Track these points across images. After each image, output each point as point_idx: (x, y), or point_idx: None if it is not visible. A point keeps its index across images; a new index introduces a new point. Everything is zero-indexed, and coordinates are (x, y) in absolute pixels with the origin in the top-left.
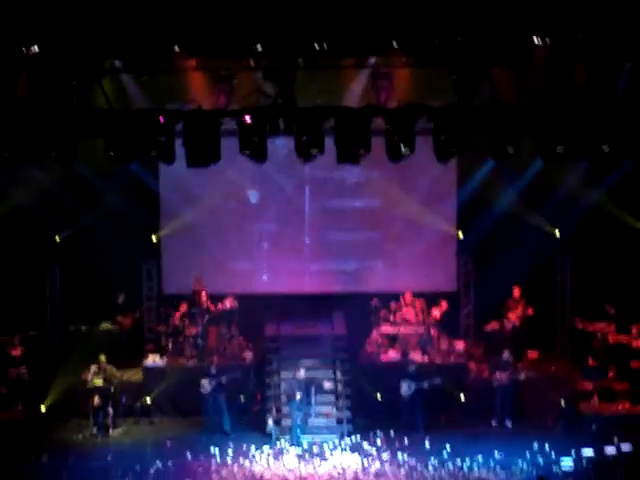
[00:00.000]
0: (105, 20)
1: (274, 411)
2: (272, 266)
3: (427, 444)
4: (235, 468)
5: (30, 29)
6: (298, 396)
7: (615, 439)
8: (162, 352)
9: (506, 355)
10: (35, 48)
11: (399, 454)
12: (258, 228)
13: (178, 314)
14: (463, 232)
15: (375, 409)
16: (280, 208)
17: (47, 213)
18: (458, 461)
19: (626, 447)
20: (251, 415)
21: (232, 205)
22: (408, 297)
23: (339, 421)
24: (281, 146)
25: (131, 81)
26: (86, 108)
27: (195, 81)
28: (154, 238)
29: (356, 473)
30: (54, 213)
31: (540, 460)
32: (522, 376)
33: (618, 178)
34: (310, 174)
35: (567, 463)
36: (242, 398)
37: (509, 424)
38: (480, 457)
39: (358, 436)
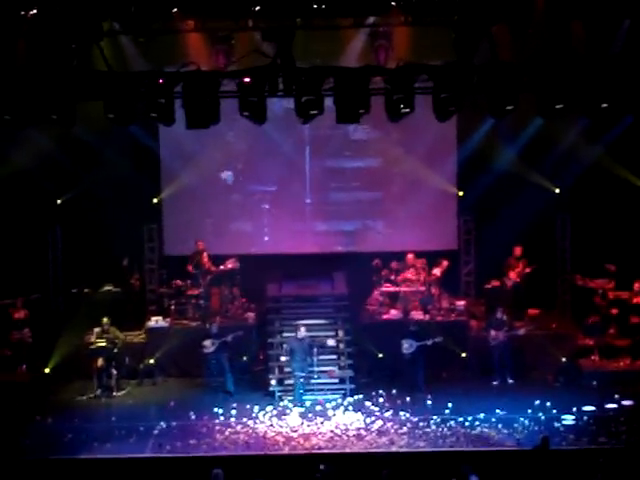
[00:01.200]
0: None
1: (277, 371)
2: (273, 227)
3: (429, 402)
4: (238, 427)
5: None
6: (299, 356)
7: (616, 395)
8: (165, 314)
9: (499, 314)
10: (34, 11)
11: (401, 412)
12: (259, 189)
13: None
14: (463, 191)
15: (377, 368)
16: (280, 169)
17: (48, 176)
18: (460, 418)
19: (627, 402)
20: (254, 375)
21: (232, 167)
22: (410, 258)
23: (341, 380)
24: (280, 107)
25: (130, 43)
26: (85, 70)
27: (194, 42)
28: (155, 200)
29: (359, 431)
30: (55, 176)
31: (541, 416)
32: (521, 332)
33: (617, 135)
34: (310, 134)
35: (568, 419)
36: (245, 358)
37: (510, 381)
38: (482, 414)
39: (360, 395)
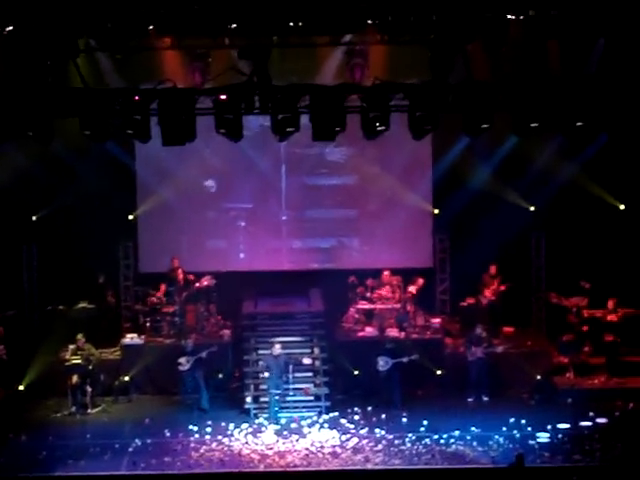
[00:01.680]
0: None
1: (252, 388)
2: (249, 244)
3: (404, 419)
4: (214, 445)
5: (3, 9)
6: (275, 373)
7: (590, 413)
8: (140, 331)
9: (479, 330)
10: (10, 27)
11: (376, 429)
12: (235, 206)
13: (158, 293)
14: (439, 209)
15: (352, 385)
16: (256, 186)
17: (23, 192)
18: (435, 436)
19: (601, 420)
20: (229, 392)
21: (207, 183)
22: (386, 276)
23: (317, 397)
24: (257, 124)
25: (106, 60)
26: (61, 87)
27: (170, 60)
28: (130, 217)
29: (334, 449)
30: (30, 192)
31: (516, 434)
32: (499, 349)
33: (592, 154)
34: (286, 151)
35: (543, 437)
36: (220, 375)
37: (485, 398)
38: (457, 432)
39: (336, 412)
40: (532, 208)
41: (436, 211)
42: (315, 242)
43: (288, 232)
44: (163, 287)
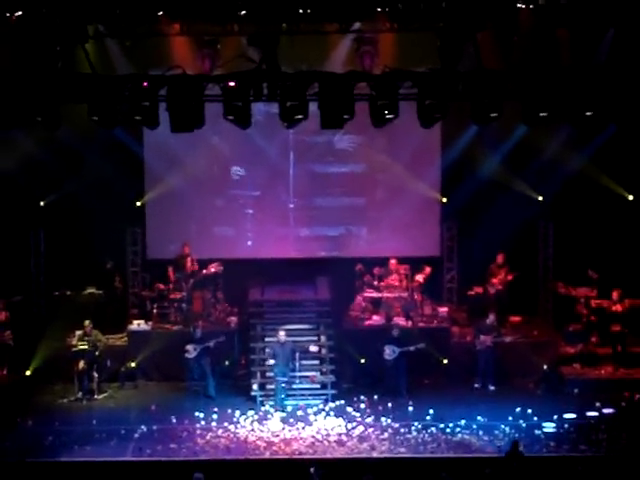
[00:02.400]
0: None
1: (258, 375)
2: (256, 231)
3: (410, 408)
4: (219, 432)
5: None
6: (281, 360)
7: (597, 403)
8: (147, 317)
9: (491, 318)
10: (18, 13)
11: (382, 418)
12: (242, 193)
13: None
14: (447, 197)
15: (359, 373)
16: (264, 174)
17: (31, 178)
18: (441, 425)
19: (608, 411)
20: (235, 379)
21: (216, 171)
22: (393, 264)
23: (323, 385)
24: (265, 112)
25: (115, 46)
26: (70, 73)
27: (179, 46)
28: (138, 203)
29: (340, 437)
30: (38, 178)
31: (522, 424)
32: (507, 339)
33: (600, 143)
34: (294, 139)
35: (549, 426)
36: (227, 362)
37: (492, 388)
38: (463, 421)
39: (342, 400)
40: (540, 198)
41: (444, 199)
42: (322, 230)
43: (295, 220)
44: (171, 273)
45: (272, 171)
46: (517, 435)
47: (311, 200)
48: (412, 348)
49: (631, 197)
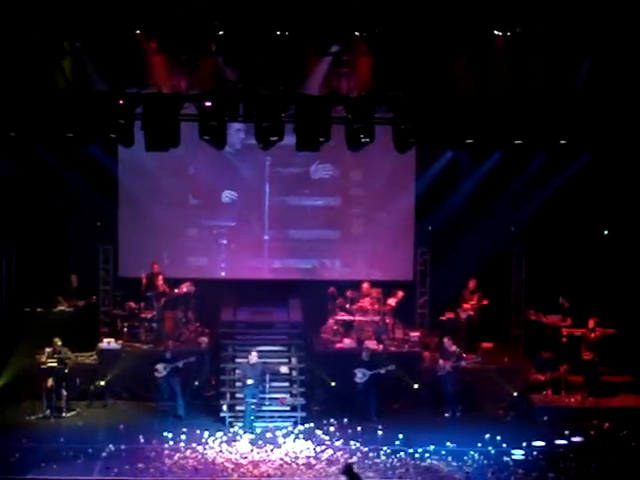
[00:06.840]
0: (65, 1)
1: (228, 396)
2: (230, 262)
3: (380, 432)
4: (188, 452)
5: None
6: (251, 382)
7: (566, 431)
8: (117, 335)
9: (447, 343)
10: None
11: (351, 441)
12: (217, 224)
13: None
14: (420, 222)
15: (329, 396)
16: (239, 204)
17: (3, 193)
18: (410, 450)
19: (577, 439)
20: (205, 400)
21: (191, 200)
22: (365, 287)
23: (293, 408)
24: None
25: (91, 63)
26: (46, 89)
27: (156, 64)
28: (110, 221)
29: (308, 460)
30: (11, 193)
31: (491, 450)
32: (464, 363)
33: (574, 171)
34: (270, 170)
35: (518, 453)
36: (196, 383)
37: (458, 413)
38: (432, 446)
39: (311, 423)
40: (513, 225)
41: (417, 225)
42: (296, 262)
43: (270, 252)
44: (143, 290)
45: (247, 202)
46: (486, 462)
47: (286, 232)
48: (383, 370)
49: (606, 232)
